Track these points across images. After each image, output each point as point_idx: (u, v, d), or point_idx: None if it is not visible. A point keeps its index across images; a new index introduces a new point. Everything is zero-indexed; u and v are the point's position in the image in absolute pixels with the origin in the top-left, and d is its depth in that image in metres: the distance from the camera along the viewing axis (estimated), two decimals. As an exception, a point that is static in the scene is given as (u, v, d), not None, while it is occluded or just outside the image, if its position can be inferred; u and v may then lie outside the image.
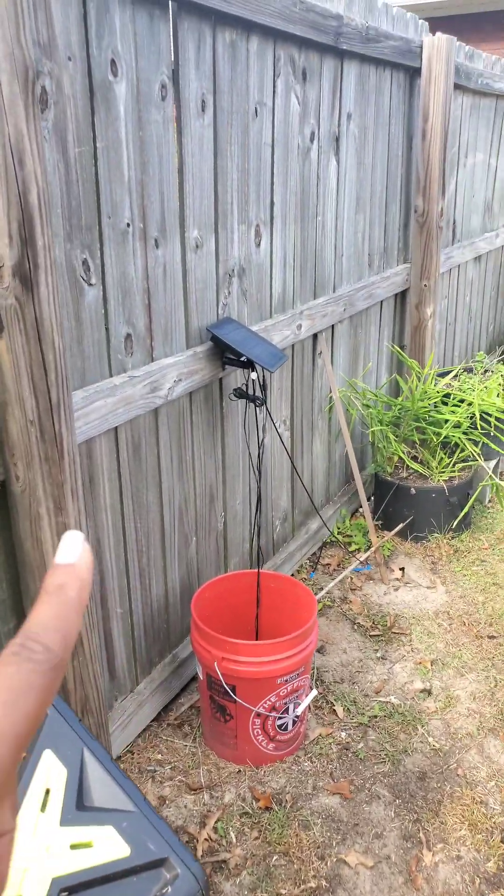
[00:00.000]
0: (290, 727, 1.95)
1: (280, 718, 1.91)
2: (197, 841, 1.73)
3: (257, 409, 2.23)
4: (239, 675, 1.80)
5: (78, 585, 0.31)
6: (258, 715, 1.87)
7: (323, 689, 2.24)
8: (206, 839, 1.74)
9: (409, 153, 3.10)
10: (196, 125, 1.77)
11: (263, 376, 2.04)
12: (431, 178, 3.08)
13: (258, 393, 2.05)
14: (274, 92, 2.06)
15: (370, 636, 2.50)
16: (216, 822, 1.78)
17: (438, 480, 3.02)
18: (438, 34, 2.92)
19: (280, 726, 1.92)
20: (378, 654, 2.41)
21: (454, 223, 3.89)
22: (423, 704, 2.19)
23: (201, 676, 1.93)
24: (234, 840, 1.74)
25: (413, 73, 2.95)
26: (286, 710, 1.91)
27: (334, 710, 2.16)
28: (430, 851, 1.72)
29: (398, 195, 3.08)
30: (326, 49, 2.27)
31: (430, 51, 2.89)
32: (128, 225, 1.61)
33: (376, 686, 2.27)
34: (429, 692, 2.24)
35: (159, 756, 1.98)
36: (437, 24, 8.83)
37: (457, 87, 3.39)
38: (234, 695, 1.84)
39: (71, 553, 0.32)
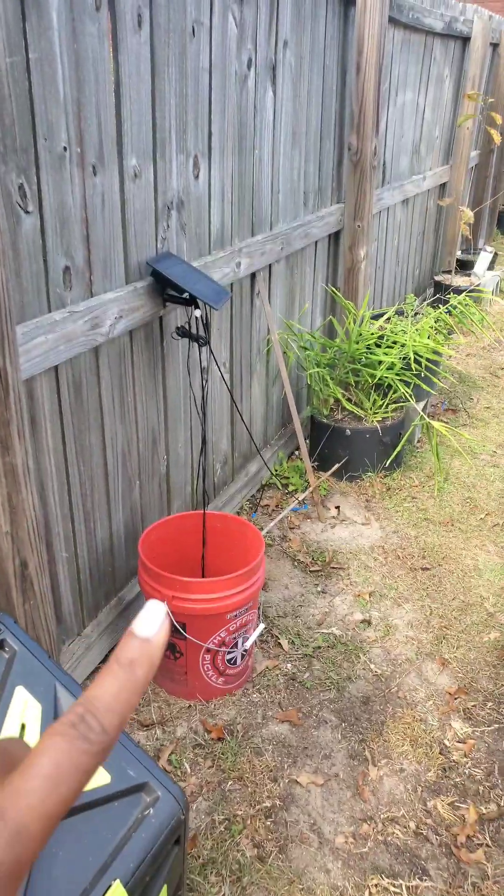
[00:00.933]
0: (238, 661, 1.99)
1: (229, 653, 1.94)
2: (152, 774, 1.76)
3: (200, 349, 2.19)
4: (190, 613, 1.82)
5: (148, 666, 0.30)
6: (208, 651, 1.90)
7: (268, 623, 2.30)
8: (161, 772, 1.77)
9: (343, 88, 3.04)
10: (133, 42, 1.66)
11: (207, 314, 2.00)
12: (365, 115, 3.04)
13: (202, 332, 2.01)
14: (211, 10, 1.95)
15: (310, 572, 2.57)
16: (170, 755, 1.81)
17: (372, 421, 3.08)
18: (373, -38, 2.84)
19: (229, 660, 1.96)
20: (318, 589, 2.48)
21: (384, 164, 3.88)
22: (363, 634, 2.28)
23: (150, 617, 1.93)
24: (189, 770, 1.78)
25: (348, 0, 2.87)
26: (235, 645, 1.94)
27: (280, 644, 2.22)
28: (375, 767, 1.82)
29: (332, 132, 3.03)
30: (263, -31, 2.17)
31: (365, -21, 2.81)
32: (65, 149, 1.51)
33: (318, 619, 2.34)
34: (368, 622, 2.33)
35: (109, 697, 1.98)
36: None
37: (389, 20, 3.33)
38: (185, 632, 1.85)
39: (150, 627, 0.31)
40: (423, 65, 4.18)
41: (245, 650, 1.98)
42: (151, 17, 1.71)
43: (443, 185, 5.23)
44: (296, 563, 2.61)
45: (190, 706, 1.98)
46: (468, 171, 5.66)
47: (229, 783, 1.75)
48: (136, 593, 2.16)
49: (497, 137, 4.65)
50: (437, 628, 2.31)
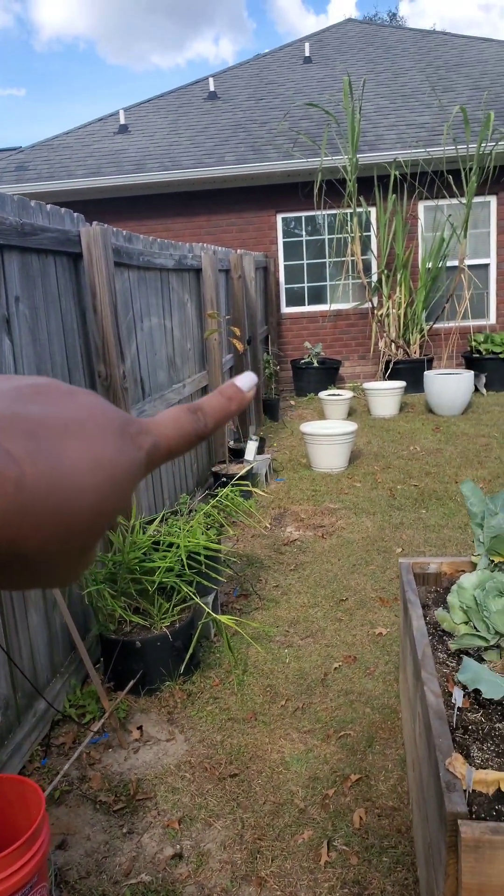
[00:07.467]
0: None
1: None
2: None
3: (-49, 597, 2.08)
4: (-43, 917, 1.56)
5: (238, 404, 0.43)
6: None
7: (67, 891, 2.03)
8: None
9: (84, 325, 3.34)
10: None
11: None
12: (108, 346, 3.34)
13: None
14: None
15: (113, 812, 2.36)
16: None
17: (161, 628, 3.07)
18: (95, 224, 3.28)
19: None
20: (124, 830, 2.28)
21: (142, 380, 4.22)
22: (175, 872, 2.10)
23: None
24: None
25: (76, 257, 3.25)
26: (23, 938, 1.68)
27: (83, 914, 1.96)
28: None
29: (80, 363, 3.27)
30: (-17, 243, 2.41)
31: (88, 239, 3.22)
32: None
33: (125, 867, 2.12)
34: (180, 856, 2.16)
35: None
36: (102, 205, 9.90)
37: (122, 264, 3.80)
38: (-45, 942, 1.58)
39: (246, 384, 0.44)
40: (162, 295, 4.76)
41: (37, 939, 1.72)
42: None
43: (204, 388, 5.77)
44: (97, 806, 2.39)
45: None
46: (225, 373, 6.32)
47: None
48: None
49: (240, 346, 5.32)
50: (250, 842, 2.20)
